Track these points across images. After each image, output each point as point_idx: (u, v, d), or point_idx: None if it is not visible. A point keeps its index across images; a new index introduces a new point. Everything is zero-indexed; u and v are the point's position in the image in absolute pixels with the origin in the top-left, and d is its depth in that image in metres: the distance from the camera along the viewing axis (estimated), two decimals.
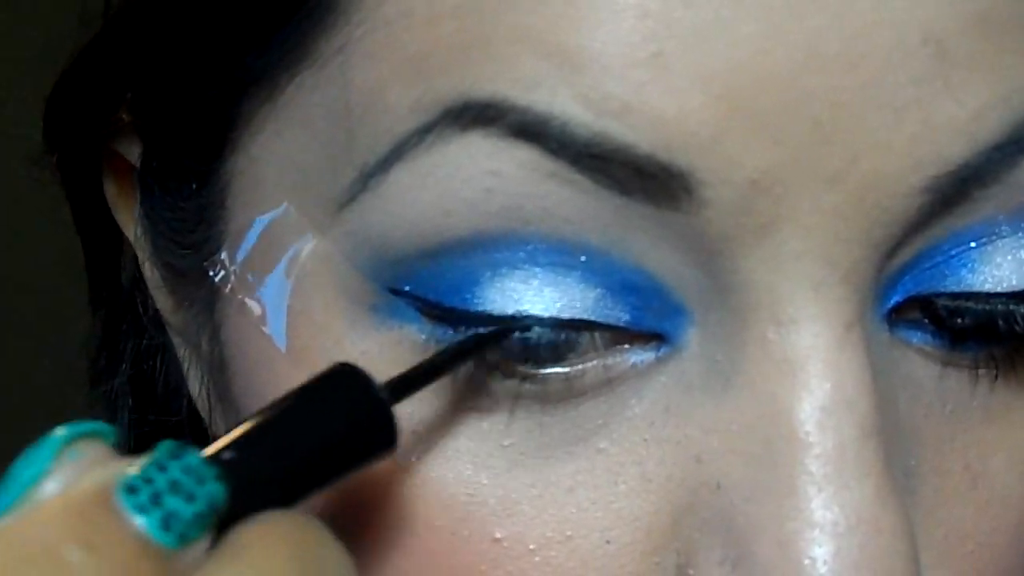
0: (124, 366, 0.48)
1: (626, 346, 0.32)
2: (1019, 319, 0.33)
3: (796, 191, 0.30)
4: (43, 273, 0.50)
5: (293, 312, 0.35)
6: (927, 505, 0.33)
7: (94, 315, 0.49)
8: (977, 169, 0.31)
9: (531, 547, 0.32)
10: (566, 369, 0.32)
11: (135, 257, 0.45)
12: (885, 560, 0.30)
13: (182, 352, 0.43)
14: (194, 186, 0.38)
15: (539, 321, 0.31)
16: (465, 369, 0.32)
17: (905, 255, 0.32)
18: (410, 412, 0.33)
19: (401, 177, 0.31)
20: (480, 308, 0.32)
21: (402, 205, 0.32)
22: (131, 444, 0.48)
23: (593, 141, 0.30)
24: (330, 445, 0.29)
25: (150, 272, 0.42)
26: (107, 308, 0.48)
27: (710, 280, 0.31)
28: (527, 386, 0.32)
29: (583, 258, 0.31)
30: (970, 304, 0.33)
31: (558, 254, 0.31)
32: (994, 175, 0.31)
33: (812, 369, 0.31)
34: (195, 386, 0.43)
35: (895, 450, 0.32)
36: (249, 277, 0.36)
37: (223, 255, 0.36)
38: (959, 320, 0.33)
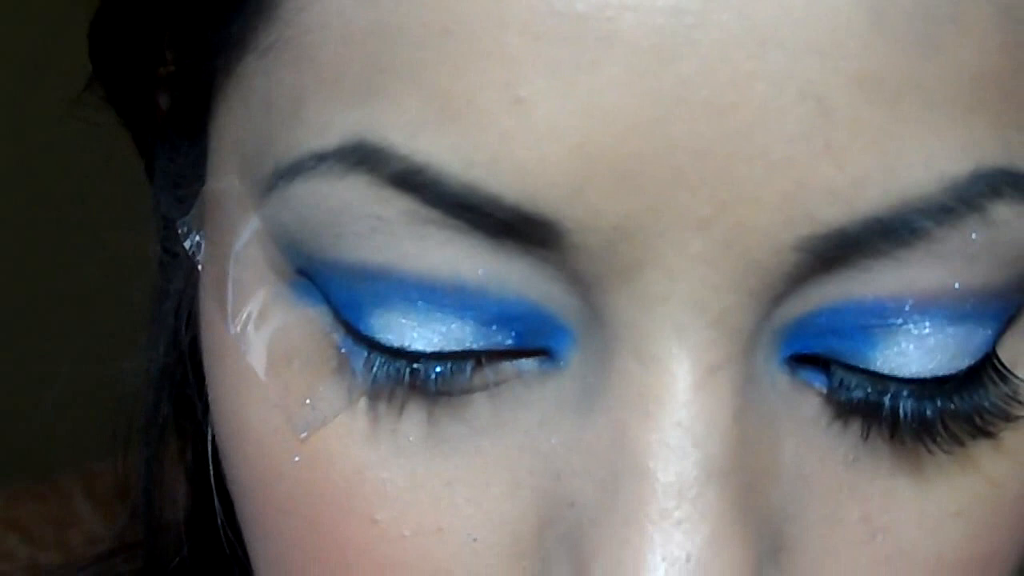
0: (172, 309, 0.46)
1: (513, 359, 0.33)
2: (904, 409, 0.32)
3: (659, 236, 0.30)
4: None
5: (233, 281, 0.36)
6: (812, 554, 0.33)
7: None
8: (856, 237, 0.30)
9: (405, 533, 0.34)
10: (455, 375, 0.33)
11: None
12: None
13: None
14: (188, 143, 0.39)
15: (423, 356, 0.32)
16: (368, 359, 0.33)
17: (799, 307, 0.31)
18: (310, 385, 0.34)
19: (301, 191, 0.32)
20: (368, 333, 0.33)
21: (301, 216, 0.32)
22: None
23: (463, 192, 0.30)
24: None
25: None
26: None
27: (588, 309, 0.32)
28: (418, 382, 0.33)
29: (459, 296, 0.31)
30: (862, 379, 0.32)
31: (433, 292, 0.31)
32: (882, 249, 0.30)
33: (665, 406, 0.31)
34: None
35: (760, 496, 0.32)
36: (203, 243, 0.38)
37: (190, 219, 0.38)
38: (846, 391, 0.32)
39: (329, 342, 0.34)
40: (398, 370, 0.33)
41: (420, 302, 0.32)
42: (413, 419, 0.34)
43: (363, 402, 0.34)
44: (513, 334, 0.32)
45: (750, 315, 0.31)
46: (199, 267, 0.38)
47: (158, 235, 0.43)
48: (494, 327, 0.32)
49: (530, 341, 0.32)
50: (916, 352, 0.32)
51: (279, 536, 0.36)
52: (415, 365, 0.32)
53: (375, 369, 0.33)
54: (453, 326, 0.32)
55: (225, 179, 0.36)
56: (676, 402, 0.31)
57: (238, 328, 0.36)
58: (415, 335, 0.32)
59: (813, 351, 0.32)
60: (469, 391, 0.33)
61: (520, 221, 0.30)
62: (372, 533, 0.34)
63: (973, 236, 0.30)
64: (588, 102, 0.29)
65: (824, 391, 0.33)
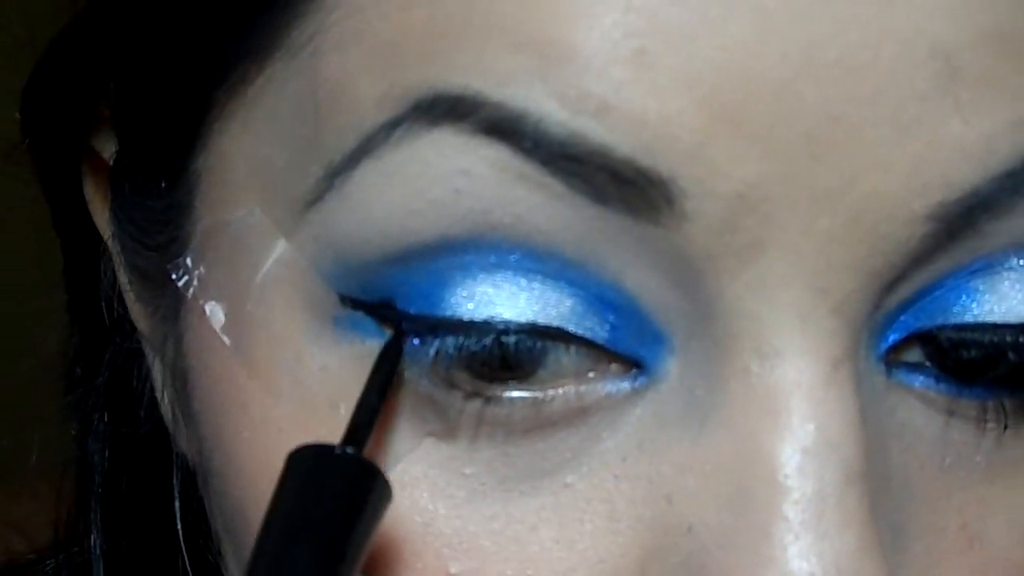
0: (101, 376, 0.46)
1: (600, 373, 0.30)
2: None
3: (786, 209, 0.28)
4: (17, 276, 0.48)
5: (255, 322, 0.32)
6: (918, 566, 0.31)
7: (72, 321, 0.47)
8: (987, 197, 0.28)
9: None
10: (534, 394, 0.30)
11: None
12: None
13: (151, 360, 0.42)
14: (164, 185, 0.36)
15: (513, 326, 0.29)
16: (424, 390, 0.30)
17: (905, 291, 0.30)
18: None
19: (368, 175, 0.29)
20: (449, 313, 0.29)
21: (368, 205, 0.30)
22: (106, 454, 0.47)
23: (569, 141, 0.28)
24: (340, 529, 0.28)
25: (122, 276, 0.41)
26: (85, 314, 0.46)
27: (692, 306, 0.29)
28: (491, 410, 0.30)
29: (556, 266, 0.29)
30: (976, 335, 0.30)
31: (530, 260, 0.29)
32: (1006, 205, 0.29)
33: (795, 407, 0.29)
34: (160, 395, 0.41)
35: (882, 502, 0.30)
36: (212, 283, 0.34)
37: (188, 259, 0.34)
38: (964, 353, 0.30)
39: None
40: (482, 356, 0.30)
41: (511, 271, 0.29)
42: (486, 459, 0.31)
43: (427, 444, 0.31)
44: (608, 326, 0.30)
45: (867, 301, 0.29)
46: (205, 310, 0.34)
47: (126, 286, 0.40)
48: (590, 310, 0.30)
49: (622, 342, 0.30)
50: (1022, 294, 0.31)
51: None
52: (503, 340, 0.29)
53: (447, 366, 0.30)
54: (548, 298, 0.29)
55: (238, 210, 0.33)
56: (808, 402, 0.29)
57: (269, 374, 0.32)
58: (507, 303, 0.29)
59: (914, 330, 0.31)
60: (550, 421, 0.30)
61: (632, 178, 0.28)
62: None
63: None
64: (714, 58, 0.27)
65: (924, 392, 0.31)
